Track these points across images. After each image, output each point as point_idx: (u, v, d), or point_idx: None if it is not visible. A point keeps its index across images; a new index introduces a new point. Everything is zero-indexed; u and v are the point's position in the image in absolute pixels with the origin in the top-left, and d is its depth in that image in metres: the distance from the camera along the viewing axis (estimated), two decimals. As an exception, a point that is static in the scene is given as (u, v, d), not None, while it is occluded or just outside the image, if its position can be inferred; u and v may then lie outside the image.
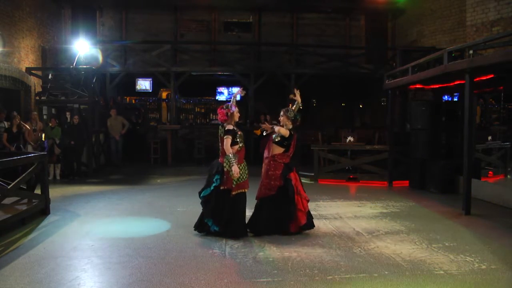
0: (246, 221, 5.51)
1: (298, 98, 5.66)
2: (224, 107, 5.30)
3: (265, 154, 5.65)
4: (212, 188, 5.25)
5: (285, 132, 5.44)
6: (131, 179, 10.29)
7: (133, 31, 14.43)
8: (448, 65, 7.33)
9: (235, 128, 5.27)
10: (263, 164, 5.63)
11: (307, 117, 14.30)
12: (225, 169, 5.19)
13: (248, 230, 5.45)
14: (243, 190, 5.29)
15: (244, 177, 5.26)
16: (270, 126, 5.66)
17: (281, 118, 5.56)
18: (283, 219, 5.42)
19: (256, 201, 5.60)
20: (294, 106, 5.66)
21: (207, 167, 5.57)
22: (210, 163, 5.59)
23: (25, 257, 4.60)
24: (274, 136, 5.54)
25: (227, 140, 5.15)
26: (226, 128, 5.23)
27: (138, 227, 6.02)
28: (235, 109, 5.28)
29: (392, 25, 15.18)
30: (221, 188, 5.21)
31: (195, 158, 13.24)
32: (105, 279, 4.06)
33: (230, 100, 5.50)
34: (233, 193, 5.21)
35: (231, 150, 5.15)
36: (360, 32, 15.26)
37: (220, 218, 5.25)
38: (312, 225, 5.59)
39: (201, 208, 5.42)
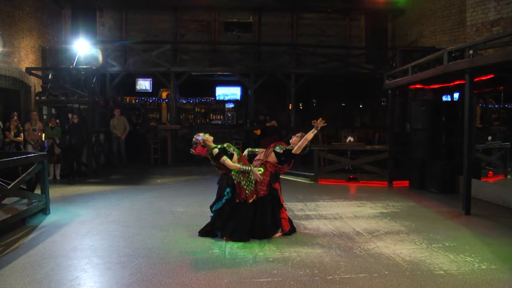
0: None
1: (319, 123, 5.46)
2: (195, 146, 5.27)
3: (258, 156, 5.58)
4: (223, 201, 5.26)
5: (297, 149, 5.32)
6: (131, 179, 10.28)
7: (133, 31, 14.44)
8: (448, 65, 7.33)
9: (218, 147, 5.26)
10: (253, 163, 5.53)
11: (307, 117, 14.28)
12: (235, 182, 5.22)
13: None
14: (255, 196, 5.33)
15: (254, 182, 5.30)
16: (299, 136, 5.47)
17: (295, 138, 5.50)
18: (270, 226, 5.37)
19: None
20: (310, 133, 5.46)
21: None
22: (215, 173, 5.52)
23: (25, 257, 4.59)
24: (280, 146, 5.49)
25: (226, 161, 5.13)
26: (214, 155, 5.20)
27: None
28: (201, 137, 5.25)
29: (392, 25, 15.18)
30: (237, 201, 5.23)
31: (195, 158, 13.21)
32: (105, 279, 4.05)
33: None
34: (250, 200, 5.24)
35: (238, 165, 5.16)
36: (360, 32, 15.27)
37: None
38: (294, 229, 5.59)
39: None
